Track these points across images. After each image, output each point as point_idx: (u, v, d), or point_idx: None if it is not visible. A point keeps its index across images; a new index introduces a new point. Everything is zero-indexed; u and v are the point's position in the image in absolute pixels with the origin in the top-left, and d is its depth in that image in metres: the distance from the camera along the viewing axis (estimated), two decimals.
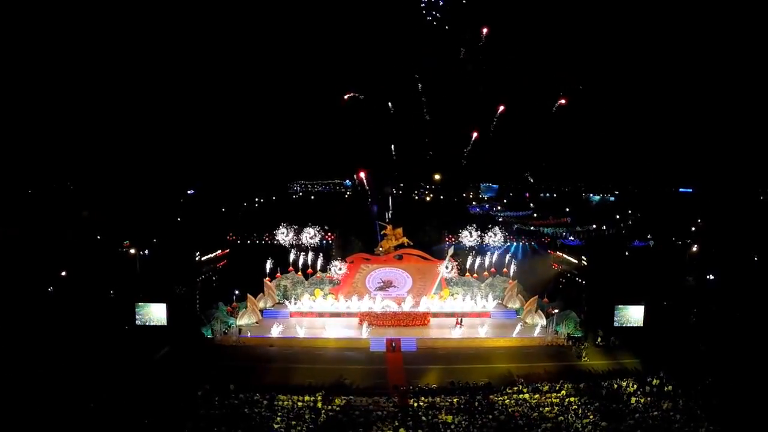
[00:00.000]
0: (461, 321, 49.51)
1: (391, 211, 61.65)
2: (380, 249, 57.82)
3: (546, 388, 35.27)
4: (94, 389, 33.23)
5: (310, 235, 58.28)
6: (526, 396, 34.17)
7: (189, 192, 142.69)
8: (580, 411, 32.09)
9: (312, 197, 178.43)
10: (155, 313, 46.47)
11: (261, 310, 52.03)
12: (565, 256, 59.71)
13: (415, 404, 32.77)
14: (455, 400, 33.26)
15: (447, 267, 55.45)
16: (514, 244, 73.70)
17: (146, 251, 64.11)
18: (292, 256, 57.45)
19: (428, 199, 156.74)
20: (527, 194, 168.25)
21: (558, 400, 33.66)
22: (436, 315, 51.27)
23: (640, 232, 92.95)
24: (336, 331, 48.01)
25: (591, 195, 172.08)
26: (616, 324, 46.93)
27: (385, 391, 35.50)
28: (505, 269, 58.39)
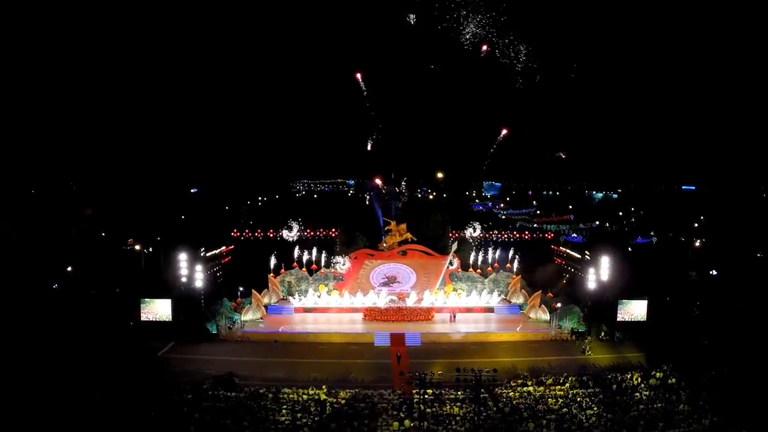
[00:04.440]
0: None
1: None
2: (384, 245, 58.03)
3: (550, 381, 35.41)
4: (101, 383, 33.43)
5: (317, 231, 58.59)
6: (531, 389, 34.31)
7: (192, 191, 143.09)
8: (584, 403, 32.21)
9: (315, 196, 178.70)
10: (160, 309, 46.64)
11: (265, 306, 52.25)
12: (568, 251, 59.85)
13: (421, 396, 32.89)
14: (460, 393, 33.40)
15: (452, 263, 55.68)
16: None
17: (150, 248, 64.43)
18: (296, 252, 57.63)
19: (431, 197, 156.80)
20: (530, 192, 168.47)
21: (562, 393, 33.80)
22: (440, 310, 51.43)
23: (643, 229, 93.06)
24: (340, 326, 48.27)
25: (594, 193, 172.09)
26: (619, 319, 47.02)
27: (390, 384, 35.73)
28: (508, 264, 58.48)
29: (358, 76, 55.78)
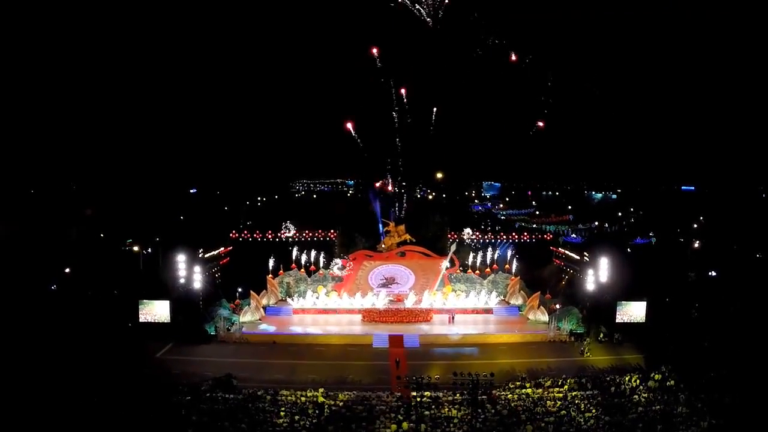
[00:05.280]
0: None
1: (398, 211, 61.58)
2: (383, 246, 57.93)
3: (548, 383, 35.35)
4: (99, 385, 33.35)
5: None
6: (529, 391, 34.26)
7: (191, 191, 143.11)
8: (582, 405, 32.14)
9: (314, 196, 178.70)
10: (159, 310, 46.57)
11: (264, 307, 52.17)
12: (567, 252, 59.80)
13: (419, 399, 32.84)
14: (458, 395, 33.33)
15: (452, 264, 55.63)
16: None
17: (149, 249, 64.36)
18: (295, 254, 57.56)
19: (430, 198, 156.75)
20: (529, 192, 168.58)
21: (560, 395, 33.74)
22: (438, 311, 51.34)
23: (642, 229, 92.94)
24: (339, 327, 48.22)
25: (593, 193, 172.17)
26: (618, 320, 46.95)
27: (388, 386, 35.68)
28: (507, 266, 58.41)
29: (374, 51, 54.72)
